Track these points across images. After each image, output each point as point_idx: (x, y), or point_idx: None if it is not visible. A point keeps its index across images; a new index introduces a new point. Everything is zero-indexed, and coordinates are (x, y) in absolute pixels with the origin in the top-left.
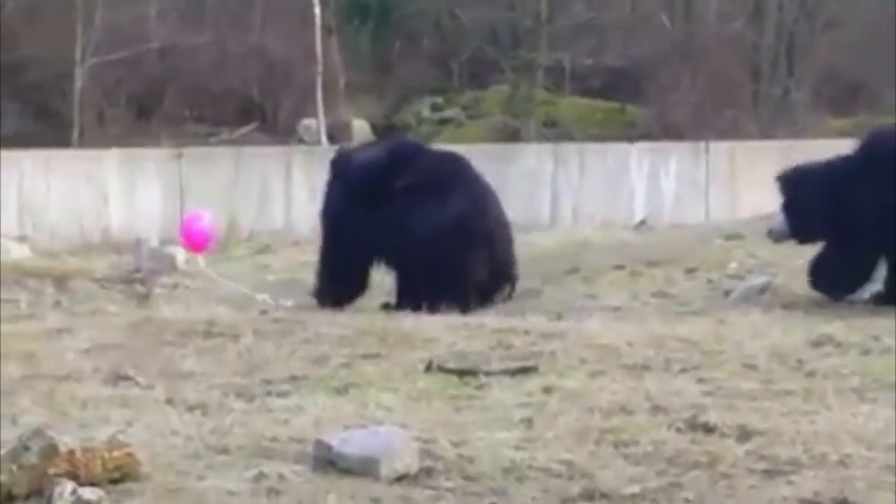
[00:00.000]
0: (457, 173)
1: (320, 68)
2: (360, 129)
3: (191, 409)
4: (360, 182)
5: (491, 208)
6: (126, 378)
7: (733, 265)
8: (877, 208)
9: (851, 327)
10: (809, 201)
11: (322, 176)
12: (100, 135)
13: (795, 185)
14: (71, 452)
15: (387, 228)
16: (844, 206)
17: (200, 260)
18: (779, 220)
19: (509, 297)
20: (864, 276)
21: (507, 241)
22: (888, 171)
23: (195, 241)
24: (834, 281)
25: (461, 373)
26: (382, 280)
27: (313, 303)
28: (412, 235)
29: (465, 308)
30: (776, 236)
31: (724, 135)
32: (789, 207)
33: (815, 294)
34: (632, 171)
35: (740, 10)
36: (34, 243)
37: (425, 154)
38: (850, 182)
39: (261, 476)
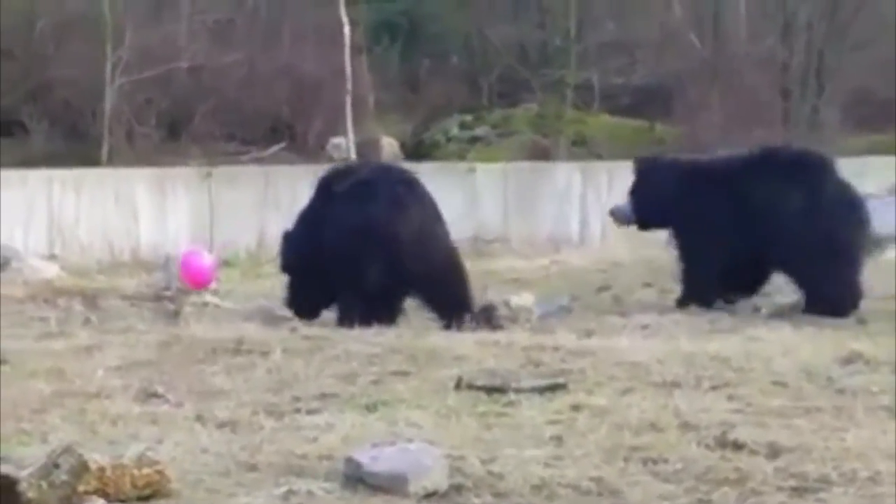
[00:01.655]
0: (392, 186)
1: (349, 87)
2: (390, 148)
3: (220, 426)
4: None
5: (413, 223)
6: (156, 395)
7: None
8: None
9: (881, 345)
10: (659, 191)
11: None
12: (129, 154)
13: (649, 172)
14: (101, 470)
15: (323, 231)
16: (697, 204)
17: (208, 295)
18: (625, 202)
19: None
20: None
21: (424, 260)
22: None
23: (195, 278)
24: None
25: (490, 390)
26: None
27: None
28: (327, 238)
29: (346, 319)
30: (619, 217)
31: None
32: (637, 192)
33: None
34: None
35: (770, 29)
36: (64, 262)
37: (377, 168)
38: (704, 182)
39: (290, 493)
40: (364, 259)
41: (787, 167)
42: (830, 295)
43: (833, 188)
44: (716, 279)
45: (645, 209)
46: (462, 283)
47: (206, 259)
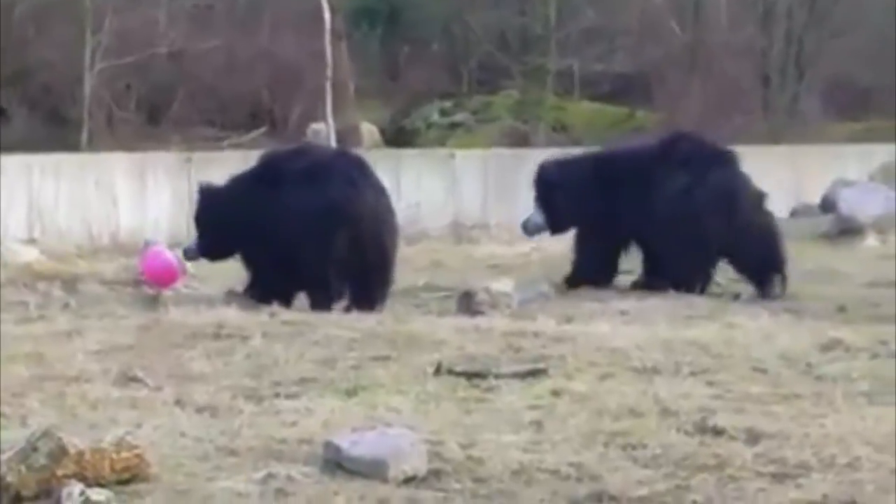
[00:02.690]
0: (343, 168)
1: (329, 73)
2: (369, 134)
3: (200, 410)
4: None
5: (367, 205)
6: (135, 380)
7: None
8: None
9: (860, 332)
10: (564, 195)
11: None
12: (109, 138)
13: (552, 175)
14: (80, 454)
15: (273, 212)
16: (601, 198)
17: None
18: (533, 214)
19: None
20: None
21: (378, 243)
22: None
23: (159, 277)
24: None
25: (470, 375)
26: None
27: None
28: (281, 218)
29: (319, 304)
30: (531, 230)
31: (733, 140)
32: (544, 201)
33: (825, 298)
34: None
35: (750, 16)
36: (43, 246)
37: (328, 151)
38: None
39: (269, 477)
40: (331, 240)
41: (681, 156)
42: (682, 279)
43: (718, 179)
44: (605, 261)
45: (554, 213)
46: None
47: (169, 256)
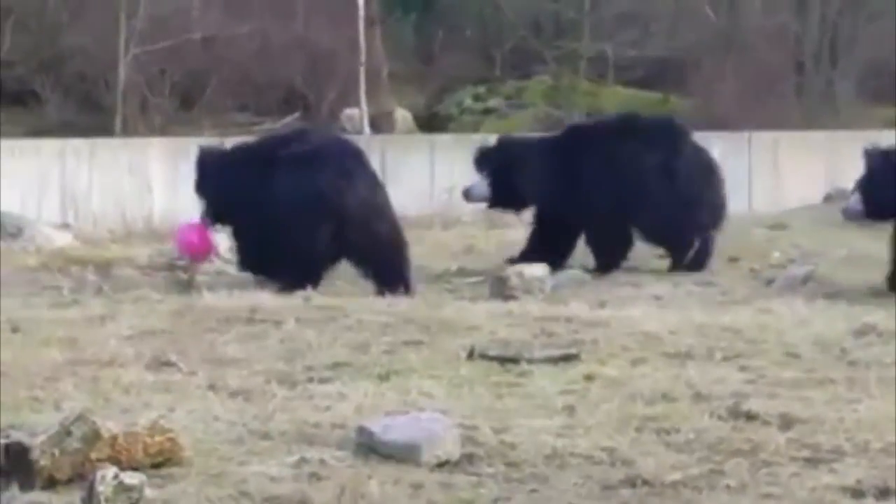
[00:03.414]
0: (337, 155)
1: (363, 58)
2: (403, 119)
3: (233, 395)
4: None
5: (358, 193)
6: (168, 364)
7: (776, 255)
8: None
9: (894, 317)
10: (521, 173)
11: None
12: (143, 124)
13: (506, 150)
14: (113, 437)
15: (263, 194)
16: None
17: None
18: (477, 184)
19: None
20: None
21: (368, 229)
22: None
23: (192, 249)
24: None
25: (503, 360)
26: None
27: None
28: (268, 202)
29: (288, 288)
30: (474, 198)
31: (767, 125)
32: (496, 175)
33: (859, 283)
34: None
35: (784, 1)
36: (77, 231)
37: (322, 137)
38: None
39: (302, 462)
40: (312, 227)
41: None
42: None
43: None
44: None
45: (504, 189)
46: (400, 256)
47: (200, 229)
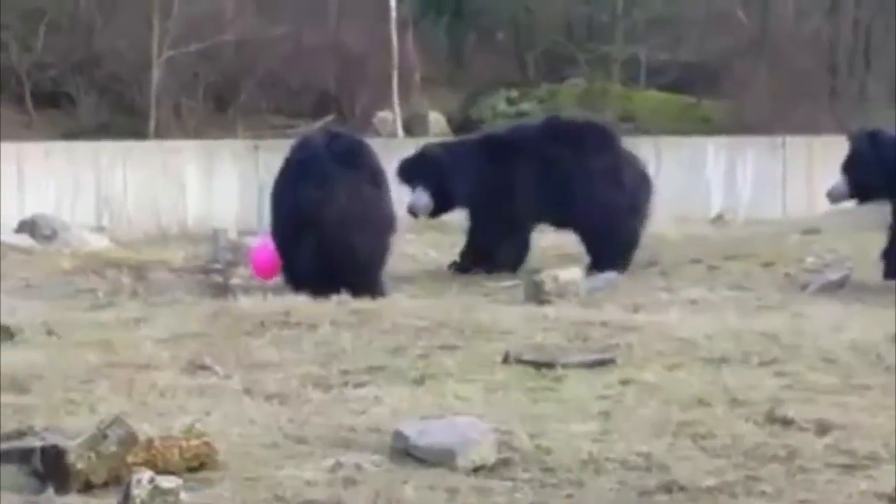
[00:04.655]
0: (324, 163)
1: (396, 61)
2: (436, 123)
3: (268, 398)
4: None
5: (339, 201)
6: (204, 368)
7: (811, 259)
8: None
9: None
10: (452, 177)
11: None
12: (176, 126)
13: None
14: (149, 441)
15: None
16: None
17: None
18: (418, 195)
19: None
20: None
21: (342, 239)
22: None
23: (266, 271)
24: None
25: (538, 365)
26: None
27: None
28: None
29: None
30: (421, 210)
31: (800, 130)
32: (431, 182)
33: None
34: (708, 166)
35: (817, 5)
36: (112, 234)
37: (319, 139)
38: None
39: (338, 466)
40: (297, 242)
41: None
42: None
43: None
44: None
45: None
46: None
47: (271, 249)
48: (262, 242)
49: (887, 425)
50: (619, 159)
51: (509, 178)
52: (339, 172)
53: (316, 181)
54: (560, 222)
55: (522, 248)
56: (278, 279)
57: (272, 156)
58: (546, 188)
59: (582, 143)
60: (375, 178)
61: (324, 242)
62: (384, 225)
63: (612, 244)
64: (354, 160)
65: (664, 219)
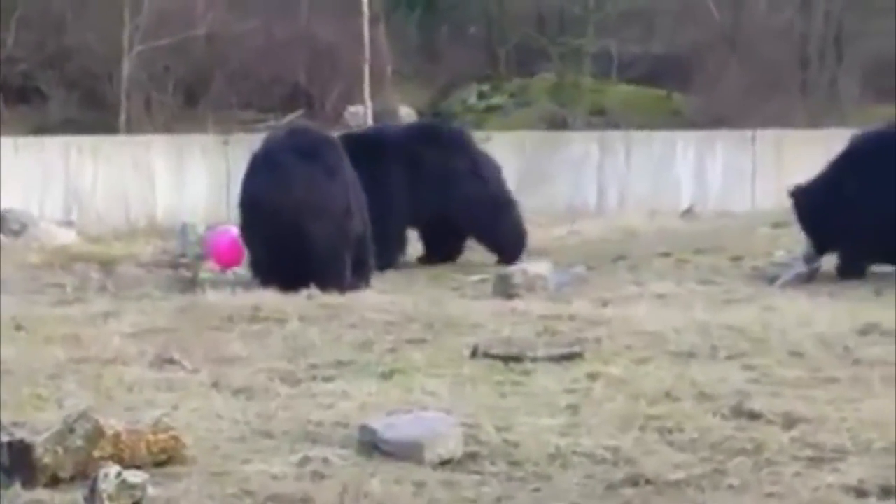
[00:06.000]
0: (283, 156)
1: (367, 55)
2: (407, 117)
3: (236, 393)
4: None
5: (293, 192)
6: (171, 362)
7: (779, 253)
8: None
9: None
10: None
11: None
12: (146, 121)
13: None
14: (116, 435)
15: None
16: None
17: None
18: None
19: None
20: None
21: (295, 228)
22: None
23: (225, 258)
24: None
25: (506, 359)
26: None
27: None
28: None
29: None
30: None
31: (770, 123)
32: None
33: (863, 282)
34: (678, 159)
35: None
36: (81, 228)
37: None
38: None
39: (305, 460)
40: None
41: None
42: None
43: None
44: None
45: None
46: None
47: (235, 238)
48: (222, 230)
49: (854, 418)
50: (480, 158)
51: (378, 177)
52: (295, 165)
53: (272, 173)
54: (440, 220)
55: (395, 246)
56: (239, 268)
57: (241, 150)
58: (417, 188)
59: (443, 145)
60: (335, 171)
61: (279, 232)
62: (341, 217)
63: (506, 233)
64: (314, 154)
65: (634, 212)
